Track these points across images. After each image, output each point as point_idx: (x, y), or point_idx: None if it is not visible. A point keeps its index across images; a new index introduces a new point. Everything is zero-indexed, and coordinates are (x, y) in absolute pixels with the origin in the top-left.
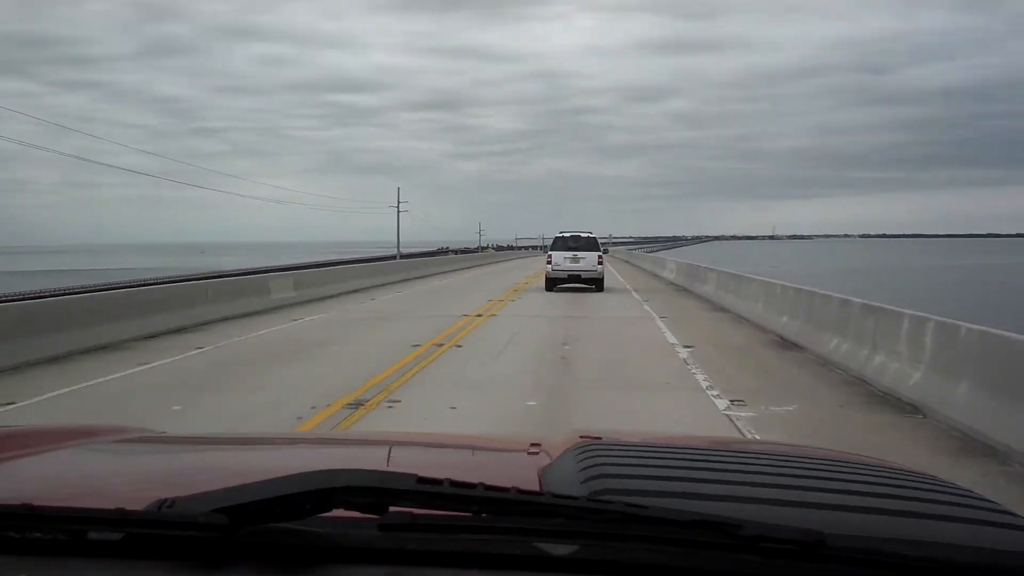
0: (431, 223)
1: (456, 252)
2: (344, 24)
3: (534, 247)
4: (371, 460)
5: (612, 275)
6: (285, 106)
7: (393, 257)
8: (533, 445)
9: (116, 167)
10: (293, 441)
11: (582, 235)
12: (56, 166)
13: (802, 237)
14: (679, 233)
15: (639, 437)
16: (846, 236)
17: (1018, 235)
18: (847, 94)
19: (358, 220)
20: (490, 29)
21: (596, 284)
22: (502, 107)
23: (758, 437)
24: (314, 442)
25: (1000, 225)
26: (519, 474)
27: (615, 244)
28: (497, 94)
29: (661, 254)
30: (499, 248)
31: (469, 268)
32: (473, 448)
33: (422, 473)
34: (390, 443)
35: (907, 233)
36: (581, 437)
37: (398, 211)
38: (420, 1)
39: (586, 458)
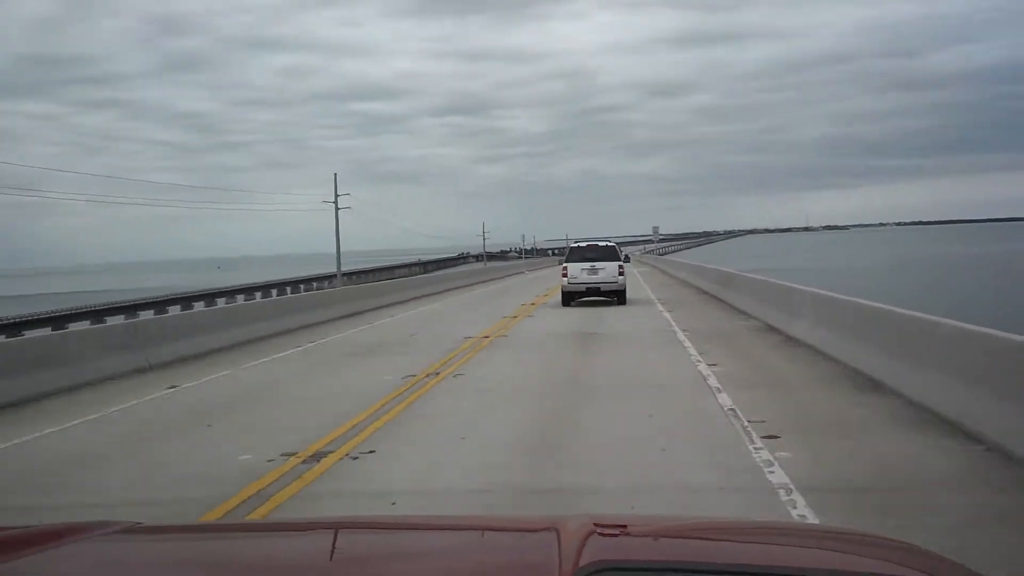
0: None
1: (477, 257)
2: (363, 32)
3: (558, 250)
4: (367, 549)
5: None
6: (308, 117)
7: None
8: (544, 530)
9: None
10: (284, 528)
11: (599, 244)
12: (81, 186)
13: (838, 228)
14: (710, 228)
15: (657, 525)
16: (881, 225)
17: None
18: (872, 80)
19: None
20: (510, 30)
21: (618, 296)
22: (525, 109)
23: None
24: (302, 528)
25: None
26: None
27: (664, 241)
28: (519, 95)
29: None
30: (525, 253)
31: (450, 291)
32: (483, 529)
33: (433, 563)
34: (384, 527)
35: (944, 219)
36: (596, 525)
37: (336, 208)
38: (438, 5)
39: None
